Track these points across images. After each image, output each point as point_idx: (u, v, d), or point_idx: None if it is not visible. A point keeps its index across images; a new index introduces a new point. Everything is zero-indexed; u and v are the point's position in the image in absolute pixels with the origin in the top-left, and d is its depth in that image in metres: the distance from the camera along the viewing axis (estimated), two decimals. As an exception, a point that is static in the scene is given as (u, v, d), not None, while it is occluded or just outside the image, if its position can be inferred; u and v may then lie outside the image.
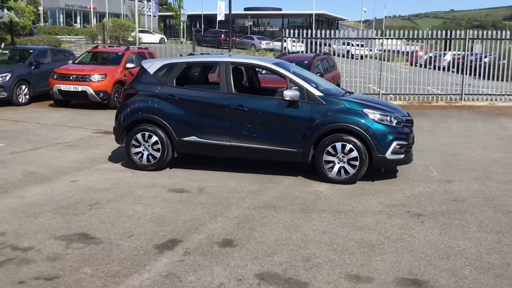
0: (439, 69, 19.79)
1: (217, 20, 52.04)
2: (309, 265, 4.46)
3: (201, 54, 17.26)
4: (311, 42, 19.63)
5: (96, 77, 14.65)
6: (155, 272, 4.31)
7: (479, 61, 19.71)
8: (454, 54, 20.95)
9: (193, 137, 7.57)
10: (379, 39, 19.99)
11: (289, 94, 7.12)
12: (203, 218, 5.68)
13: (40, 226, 5.36)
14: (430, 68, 20.31)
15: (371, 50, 22.75)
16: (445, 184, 7.28)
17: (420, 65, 20.67)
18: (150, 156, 7.74)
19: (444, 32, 19.52)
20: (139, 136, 7.74)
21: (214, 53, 28.17)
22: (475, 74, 19.28)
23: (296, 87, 7.29)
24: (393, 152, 7.11)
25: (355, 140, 7.06)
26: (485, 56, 20.61)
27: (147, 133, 7.70)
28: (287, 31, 20.02)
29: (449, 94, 19.44)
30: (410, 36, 19.64)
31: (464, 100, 19.18)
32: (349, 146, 7.07)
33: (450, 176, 7.75)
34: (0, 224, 5.41)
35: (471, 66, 19.31)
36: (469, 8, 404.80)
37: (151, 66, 7.92)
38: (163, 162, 7.74)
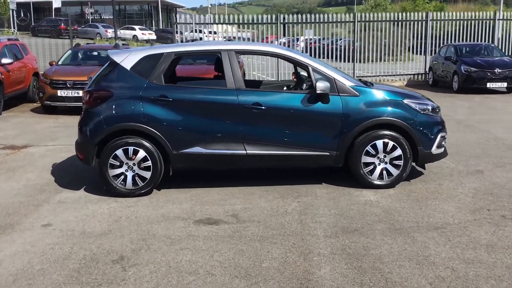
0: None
1: (53, 8, 47.02)
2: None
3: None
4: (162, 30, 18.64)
5: (-33, 77, 11.58)
6: None
7: (333, 45, 20.23)
8: (307, 39, 21.13)
9: (197, 147, 5.85)
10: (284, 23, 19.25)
11: (321, 86, 5.77)
12: (296, 262, 4.16)
13: (82, 314, 3.43)
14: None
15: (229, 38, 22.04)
16: (482, 176, 6.58)
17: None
18: (137, 178, 5.86)
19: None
20: (119, 152, 5.79)
21: (61, 44, 24.15)
22: (334, 58, 19.76)
23: (323, 77, 5.98)
24: (437, 146, 6.20)
25: (398, 136, 6.00)
26: (339, 40, 21.08)
27: (131, 148, 5.80)
28: (178, 16, 18.44)
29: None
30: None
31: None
32: (391, 143, 5.99)
33: (471, 166, 7.10)
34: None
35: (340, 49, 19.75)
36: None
37: (126, 59, 5.93)
38: (155, 183, 5.92)
